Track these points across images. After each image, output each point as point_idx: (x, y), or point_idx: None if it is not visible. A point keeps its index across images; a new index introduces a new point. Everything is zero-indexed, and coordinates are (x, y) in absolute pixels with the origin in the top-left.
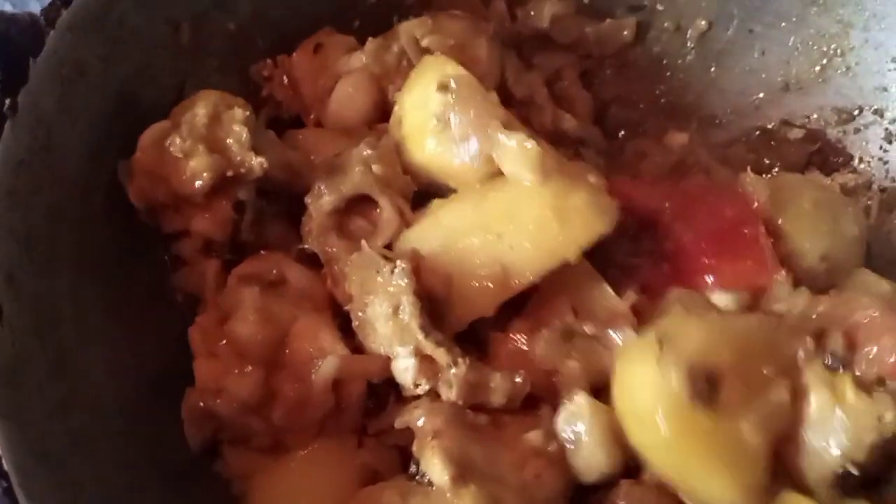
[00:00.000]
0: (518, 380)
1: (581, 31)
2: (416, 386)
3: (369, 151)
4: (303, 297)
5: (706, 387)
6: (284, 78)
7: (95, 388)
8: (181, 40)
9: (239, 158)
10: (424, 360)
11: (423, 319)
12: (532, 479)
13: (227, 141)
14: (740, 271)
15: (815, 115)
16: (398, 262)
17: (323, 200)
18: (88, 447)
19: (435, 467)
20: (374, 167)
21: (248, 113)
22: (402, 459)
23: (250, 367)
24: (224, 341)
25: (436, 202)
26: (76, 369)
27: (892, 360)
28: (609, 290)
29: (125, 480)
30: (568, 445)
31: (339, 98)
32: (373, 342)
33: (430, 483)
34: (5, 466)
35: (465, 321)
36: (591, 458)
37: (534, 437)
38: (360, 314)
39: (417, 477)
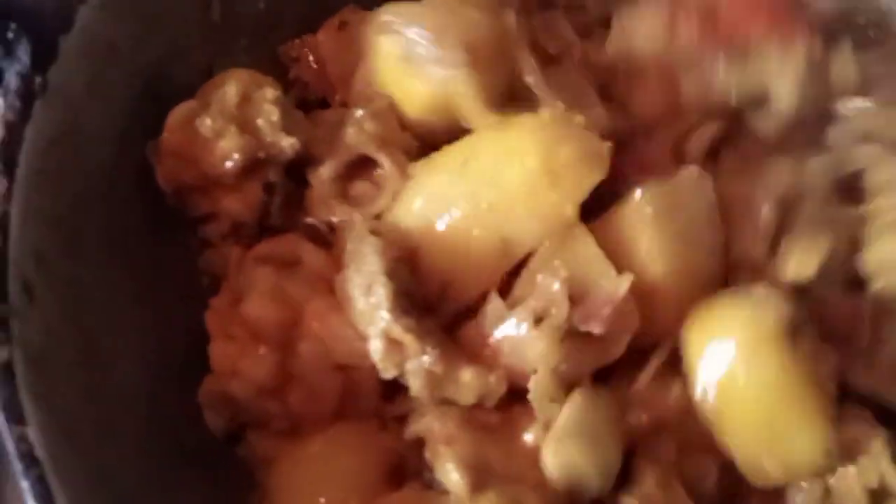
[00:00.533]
0: (491, 379)
1: None
2: (384, 370)
3: (361, 112)
4: (317, 277)
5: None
6: (310, 58)
7: (123, 374)
8: (212, 18)
9: (270, 139)
10: (392, 345)
11: (394, 301)
12: None
13: (258, 121)
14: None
15: None
16: (368, 239)
17: (322, 169)
18: (116, 433)
19: (451, 476)
20: (367, 125)
21: (278, 93)
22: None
23: (265, 349)
24: (238, 323)
25: (418, 164)
26: (104, 354)
27: None
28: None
29: (152, 466)
30: None
31: (363, 77)
32: (354, 319)
33: (448, 491)
34: (37, 453)
35: (467, 298)
36: None
37: (532, 436)
38: (342, 288)
39: (434, 485)
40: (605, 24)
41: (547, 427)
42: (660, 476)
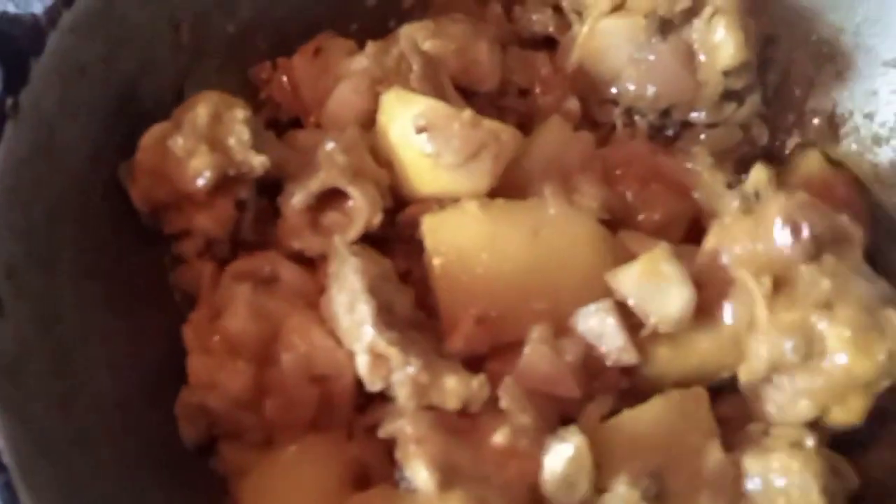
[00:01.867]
0: (474, 384)
1: None
2: (372, 384)
3: (332, 144)
4: (296, 294)
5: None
6: (284, 80)
7: (96, 384)
8: (181, 40)
9: (240, 157)
10: (378, 359)
11: (376, 317)
12: (516, 476)
13: (229, 140)
14: None
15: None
16: (349, 259)
17: (294, 200)
18: (88, 442)
19: (420, 474)
20: (339, 158)
21: (248, 113)
22: (392, 453)
23: (242, 363)
24: (217, 337)
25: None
26: (77, 365)
27: None
28: None
29: (124, 476)
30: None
31: (338, 100)
32: (340, 336)
33: (417, 490)
34: (5, 460)
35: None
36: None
37: (500, 437)
38: (327, 307)
39: (403, 484)
40: None
41: (515, 432)
42: None
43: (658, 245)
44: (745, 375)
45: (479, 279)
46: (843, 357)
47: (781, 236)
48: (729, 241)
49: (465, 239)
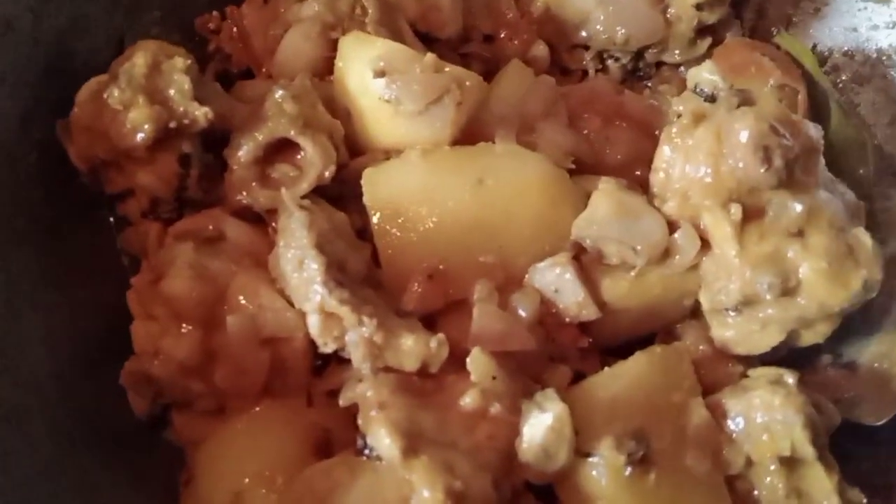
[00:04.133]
0: (433, 344)
1: None
2: (324, 345)
3: (281, 92)
4: (242, 253)
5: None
6: (233, 29)
7: (28, 357)
8: None
9: (182, 109)
10: (330, 318)
11: (326, 274)
12: (485, 440)
13: (169, 91)
14: None
15: None
16: (296, 213)
17: (241, 152)
18: (19, 416)
19: (383, 441)
20: (288, 107)
21: (189, 62)
22: (355, 417)
23: (187, 327)
24: (160, 302)
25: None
26: (6, 339)
27: None
28: None
29: (60, 449)
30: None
31: (288, 48)
32: (289, 296)
33: (380, 457)
34: None
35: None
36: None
37: (469, 400)
38: (275, 265)
39: (366, 451)
40: None
41: (485, 395)
42: None
43: (601, 180)
44: (709, 304)
45: (420, 234)
46: (819, 290)
47: (751, 163)
48: (685, 157)
49: (404, 192)
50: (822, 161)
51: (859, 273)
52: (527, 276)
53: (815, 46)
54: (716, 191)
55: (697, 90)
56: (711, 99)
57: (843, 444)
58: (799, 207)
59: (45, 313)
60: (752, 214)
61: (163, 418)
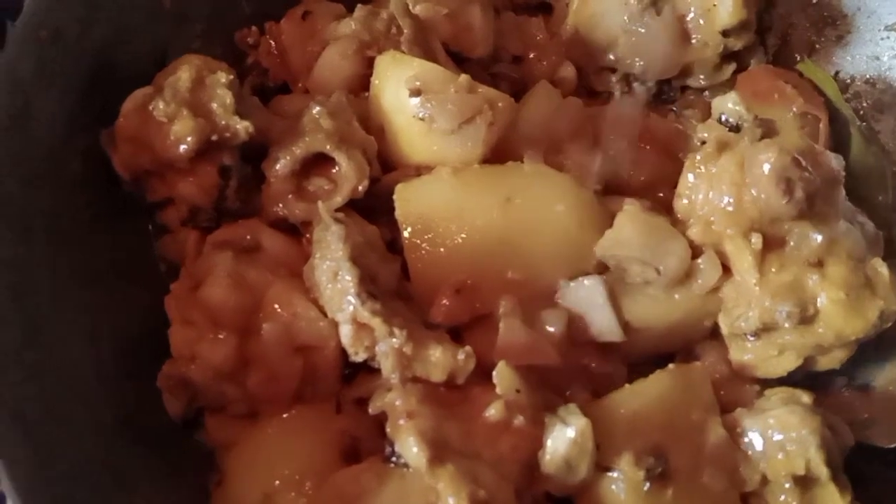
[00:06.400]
0: (460, 356)
1: None
2: (355, 354)
3: (318, 108)
4: (278, 263)
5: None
6: (272, 45)
7: (71, 354)
8: (163, 4)
9: (223, 122)
10: (361, 329)
11: (360, 286)
12: (508, 451)
13: (212, 105)
14: None
15: None
16: (332, 226)
17: (278, 165)
18: (63, 411)
19: (411, 449)
20: (324, 122)
21: (231, 77)
22: (382, 426)
23: (223, 334)
24: (198, 308)
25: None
26: (52, 335)
27: None
28: None
29: (102, 445)
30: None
31: (325, 65)
32: (323, 305)
33: (407, 465)
34: None
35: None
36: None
37: (494, 411)
38: (309, 276)
39: (394, 459)
40: None
41: (509, 407)
42: None
43: (625, 201)
44: (728, 329)
45: (449, 249)
46: (836, 320)
47: (773, 194)
48: (708, 185)
49: (435, 208)
50: (843, 192)
51: (876, 304)
52: (557, 293)
53: (837, 73)
54: (738, 220)
55: (722, 120)
56: (736, 129)
57: (856, 465)
58: (819, 238)
59: (87, 312)
60: (772, 244)
61: (195, 421)
